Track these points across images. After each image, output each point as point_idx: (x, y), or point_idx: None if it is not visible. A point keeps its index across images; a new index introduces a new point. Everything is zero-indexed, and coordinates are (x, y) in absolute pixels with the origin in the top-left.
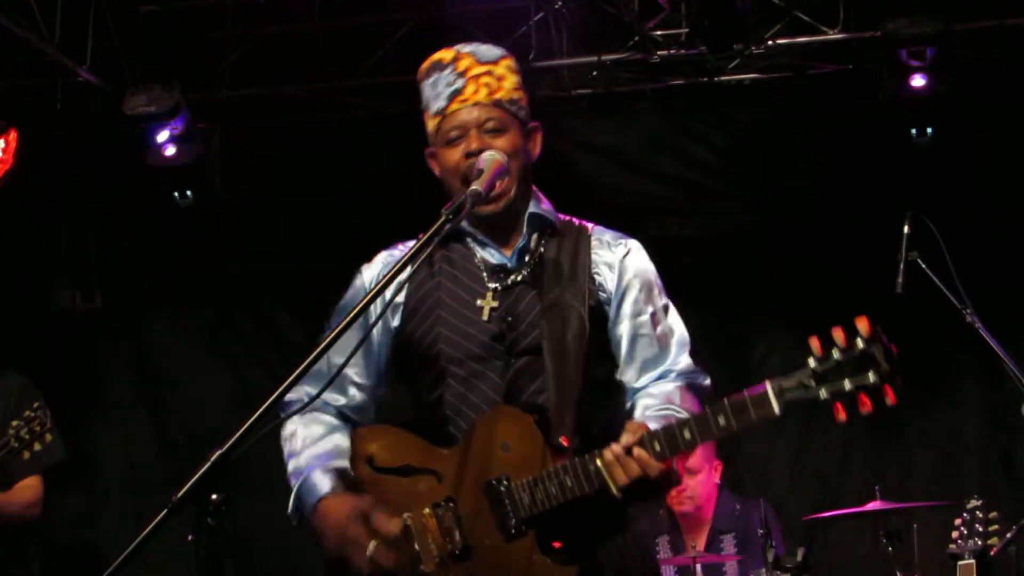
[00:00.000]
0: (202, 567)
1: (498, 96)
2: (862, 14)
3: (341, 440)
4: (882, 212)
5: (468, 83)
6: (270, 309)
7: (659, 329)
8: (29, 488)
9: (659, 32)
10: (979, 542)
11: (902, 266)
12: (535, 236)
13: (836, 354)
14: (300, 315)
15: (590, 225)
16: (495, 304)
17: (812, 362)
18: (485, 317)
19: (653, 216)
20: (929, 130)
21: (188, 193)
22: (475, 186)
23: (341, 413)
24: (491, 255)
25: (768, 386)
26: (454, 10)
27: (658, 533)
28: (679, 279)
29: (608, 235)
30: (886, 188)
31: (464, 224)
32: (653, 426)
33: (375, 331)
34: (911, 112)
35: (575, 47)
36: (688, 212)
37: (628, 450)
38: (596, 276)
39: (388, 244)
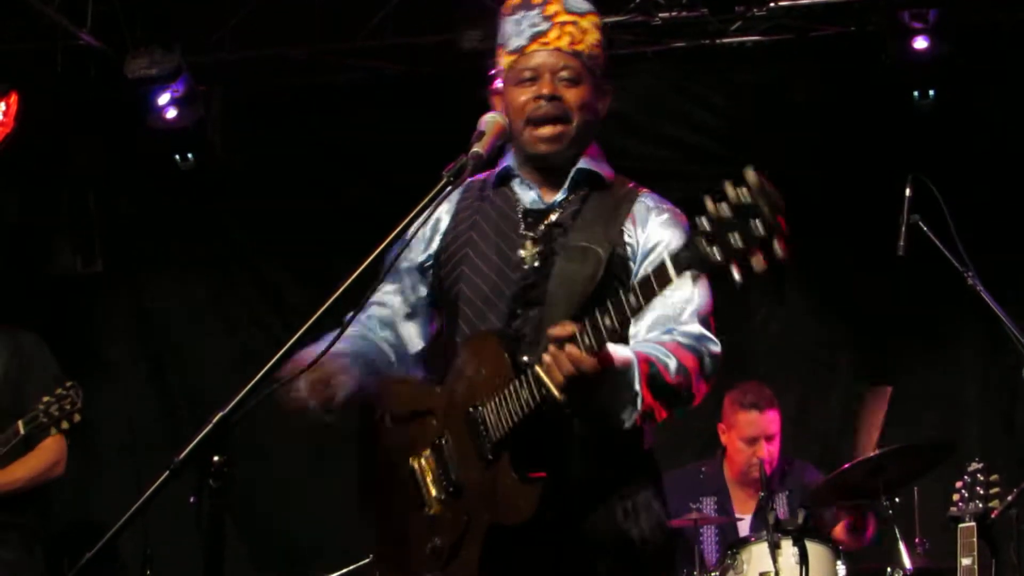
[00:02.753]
0: (204, 529)
1: (579, 48)
2: None
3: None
4: (884, 175)
5: (553, 27)
6: (271, 271)
7: (678, 295)
8: (51, 448)
9: None
10: (980, 505)
11: (904, 229)
12: (579, 189)
13: (724, 210)
14: (301, 277)
15: (644, 189)
16: (534, 252)
17: (703, 222)
18: (527, 267)
19: (654, 179)
20: (931, 92)
21: (189, 156)
22: (476, 148)
23: (386, 341)
24: (531, 199)
25: (664, 254)
26: None
27: (703, 493)
28: None
29: (655, 199)
30: (888, 150)
31: (512, 166)
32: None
33: (404, 271)
34: (913, 74)
35: None
36: (689, 175)
37: (560, 347)
38: (627, 231)
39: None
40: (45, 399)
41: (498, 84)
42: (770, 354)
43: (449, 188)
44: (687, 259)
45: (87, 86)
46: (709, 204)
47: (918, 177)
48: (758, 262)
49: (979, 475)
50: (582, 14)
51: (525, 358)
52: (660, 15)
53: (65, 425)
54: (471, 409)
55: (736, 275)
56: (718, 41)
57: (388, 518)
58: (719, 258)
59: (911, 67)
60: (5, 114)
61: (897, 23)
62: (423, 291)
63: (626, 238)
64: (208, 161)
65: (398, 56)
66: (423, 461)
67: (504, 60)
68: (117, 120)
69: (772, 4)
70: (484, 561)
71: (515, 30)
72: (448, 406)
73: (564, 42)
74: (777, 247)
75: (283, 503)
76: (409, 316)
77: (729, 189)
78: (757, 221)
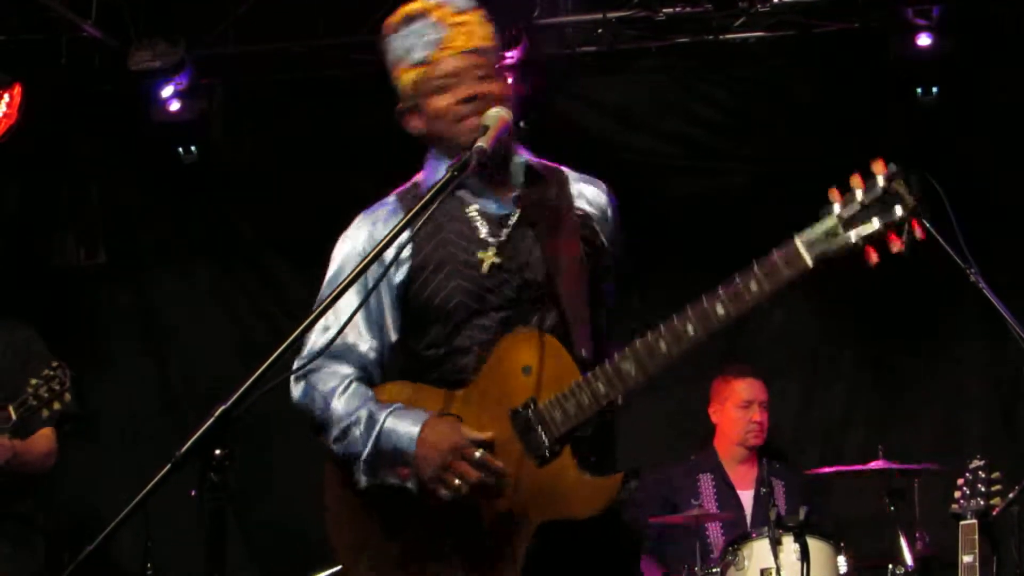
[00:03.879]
0: (205, 522)
1: (483, 43)
2: None
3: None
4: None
5: (450, 30)
6: (273, 264)
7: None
8: (44, 438)
9: None
10: (981, 502)
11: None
12: (527, 183)
13: (860, 196)
14: (303, 270)
15: (563, 167)
16: (496, 260)
17: (837, 207)
18: (485, 271)
19: (657, 174)
20: (935, 89)
21: (192, 149)
22: (481, 143)
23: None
24: (488, 205)
25: (796, 240)
26: None
27: (702, 470)
28: (683, 236)
29: (585, 178)
30: (891, 147)
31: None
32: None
33: (377, 293)
34: (917, 71)
35: (580, 4)
36: (692, 170)
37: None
38: (579, 210)
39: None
40: (33, 381)
41: (401, 106)
42: (772, 348)
43: (455, 182)
44: (822, 246)
45: (91, 78)
46: (836, 195)
47: (921, 174)
48: (895, 244)
49: (981, 472)
50: (468, 10)
51: (583, 351)
52: (663, 10)
53: (57, 406)
54: (520, 409)
55: (873, 258)
56: (721, 37)
57: (390, 519)
58: (856, 241)
59: (914, 64)
60: (9, 106)
61: (901, 20)
62: (388, 314)
63: (583, 214)
64: (211, 154)
65: None
66: None
67: (406, 77)
68: (120, 112)
69: (775, 0)
70: (531, 559)
71: (409, 44)
72: (479, 407)
73: (468, 42)
74: (916, 229)
75: (285, 496)
76: (377, 344)
77: (857, 181)
78: (897, 205)
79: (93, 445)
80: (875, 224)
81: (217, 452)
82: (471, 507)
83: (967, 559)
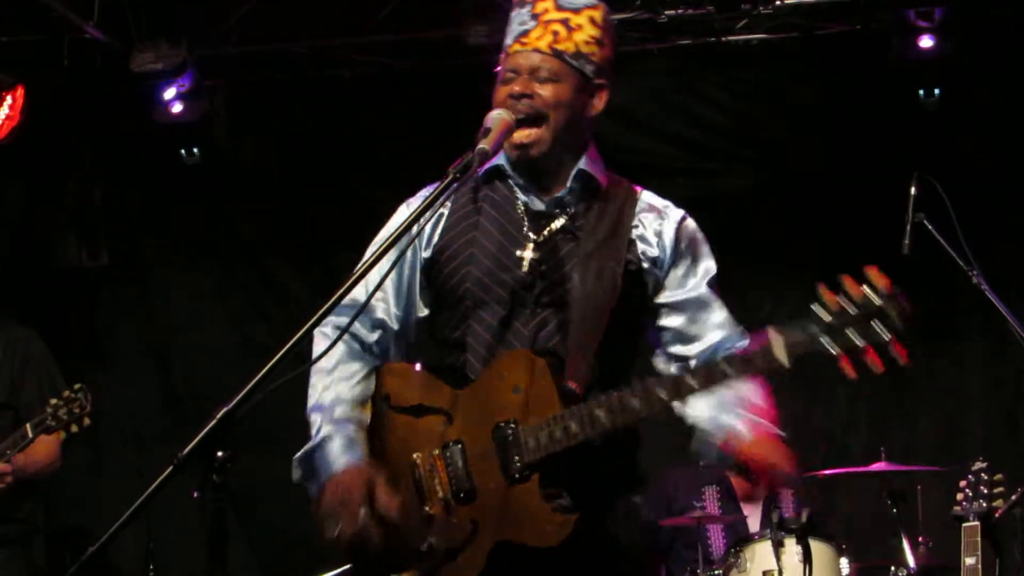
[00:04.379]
0: (206, 523)
1: (561, 46)
2: None
3: (367, 389)
4: (889, 173)
5: (538, 26)
6: (276, 265)
7: (713, 302)
8: (47, 444)
9: None
10: (983, 504)
11: (909, 227)
12: (578, 190)
13: (850, 308)
14: (305, 271)
15: (639, 188)
16: (535, 256)
17: (823, 314)
18: (525, 268)
19: (660, 176)
20: (936, 91)
21: (194, 150)
22: (482, 144)
23: (371, 349)
24: (532, 200)
25: (777, 338)
26: None
27: (705, 482)
28: None
29: (658, 201)
30: (893, 149)
31: (505, 167)
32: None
33: (404, 267)
34: (918, 73)
35: None
36: (695, 172)
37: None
38: (638, 240)
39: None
40: (53, 402)
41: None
42: None
43: (456, 185)
44: (803, 348)
45: (93, 80)
46: (828, 296)
47: (923, 176)
48: (875, 364)
49: (983, 474)
50: (576, 9)
51: (571, 384)
52: (666, 12)
53: (74, 428)
54: (501, 424)
55: (848, 371)
56: (723, 39)
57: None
58: (834, 352)
59: (916, 65)
60: (11, 107)
61: (903, 21)
62: (418, 288)
63: (638, 250)
64: (213, 155)
65: (404, 51)
66: (430, 459)
67: (501, 58)
68: (123, 114)
69: (778, 2)
70: (487, 571)
71: (510, 29)
72: (469, 413)
73: (544, 42)
74: (897, 353)
75: (287, 498)
76: (401, 315)
77: (850, 286)
78: (881, 325)
79: (95, 446)
80: (857, 341)
81: (219, 454)
82: (429, 502)
83: (969, 561)
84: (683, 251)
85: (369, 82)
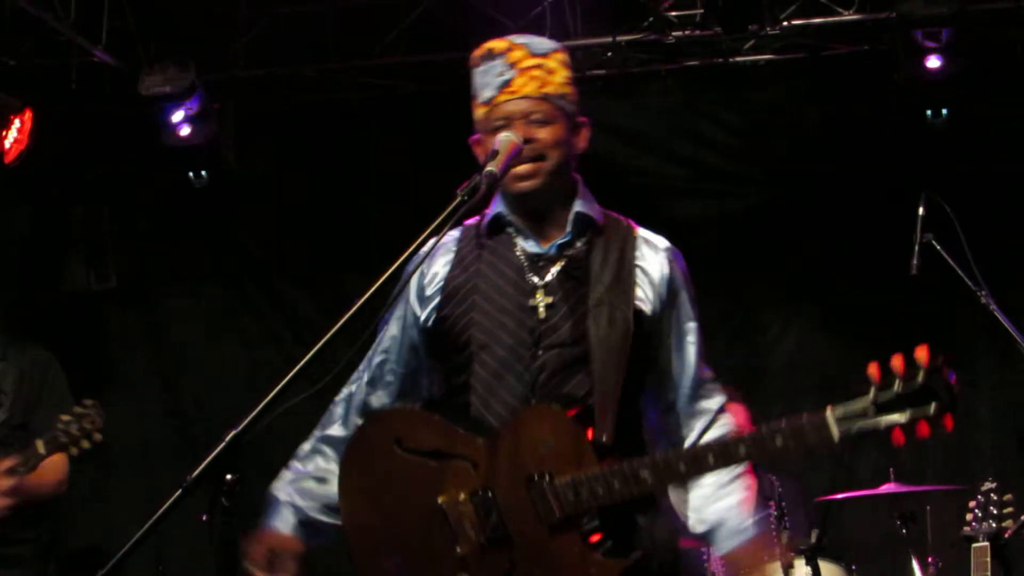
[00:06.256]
0: (216, 546)
1: (547, 90)
2: None
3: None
4: (897, 193)
5: (519, 75)
6: (284, 288)
7: (698, 344)
8: (57, 464)
9: (674, 13)
10: (993, 524)
11: (917, 248)
12: (578, 233)
13: (897, 384)
14: (314, 294)
15: (635, 225)
16: (548, 300)
17: (872, 391)
18: (542, 315)
19: (668, 197)
20: (944, 111)
21: (203, 173)
22: (490, 167)
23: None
24: (530, 245)
25: (829, 413)
26: None
27: None
28: (694, 260)
29: (653, 237)
30: (901, 169)
31: (505, 213)
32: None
33: (403, 319)
34: (926, 93)
35: (589, 28)
36: (702, 193)
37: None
38: (640, 279)
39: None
40: (64, 418)
41: (473, 137)
42: (783, 371)
43: (464, 207)
44: (853, 423)
45: (101, 103)
46: (877, 375)
47: (931, 196)
48: (922, 433)
49: (992, 494)
50: (546, 54)
51: (604, 436)
52: (673, 33)
53: (86, 444)
54: (536, 477)
55: (900, 440)
56: (731, 60)
57: (393, 546)
58: (884, 429)
59: (924, 86)
60: (20, 131)
61: (910, 42)
62: (418, 345)
63: (642, 287)
64: (221, 178)
65: (411, 74)
66: (459, 503)
67: (478, 112)
68: (131, 137)
69: (785, 23)
70: None
71: (483, 81)
72: (497, 463)
73: (531, 87)
74: (944, 425)
75: None
76: (404, 371)
77: (898, 364)
78: (933, 400)
79: (104, 469)
80: (907, 415)
81: (228, 477)
82: (463, 542)
83: None
84: (677, 289)
85: (376, 105)
